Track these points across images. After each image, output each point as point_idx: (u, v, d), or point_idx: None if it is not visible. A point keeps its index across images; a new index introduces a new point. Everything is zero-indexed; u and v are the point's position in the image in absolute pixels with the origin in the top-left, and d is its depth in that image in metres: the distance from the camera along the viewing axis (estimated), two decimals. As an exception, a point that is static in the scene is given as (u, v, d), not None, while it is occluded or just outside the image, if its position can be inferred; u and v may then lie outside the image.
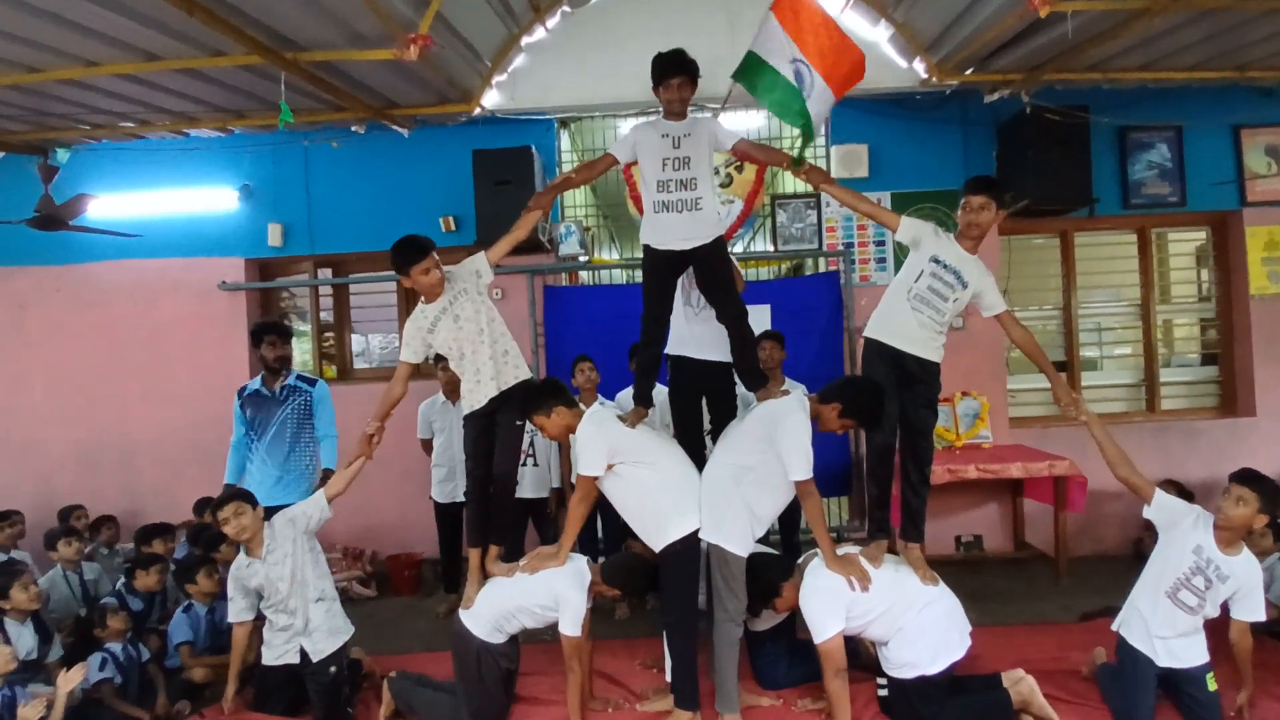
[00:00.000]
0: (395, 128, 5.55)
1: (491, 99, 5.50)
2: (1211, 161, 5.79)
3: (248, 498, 3.55)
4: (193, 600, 4.17)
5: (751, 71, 3.57)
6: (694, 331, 3.69)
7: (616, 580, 3.43)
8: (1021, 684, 3.18)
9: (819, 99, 3.44)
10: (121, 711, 3.61)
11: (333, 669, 3.53)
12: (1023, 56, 4.77)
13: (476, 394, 3.47)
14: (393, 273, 3.48)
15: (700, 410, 3.81)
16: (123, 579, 4.40)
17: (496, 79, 5.42)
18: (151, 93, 4.77)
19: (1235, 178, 5.79)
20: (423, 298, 3.50)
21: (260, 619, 3.64)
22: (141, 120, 5.35)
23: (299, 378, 4.39)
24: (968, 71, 5.09)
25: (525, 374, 3.57)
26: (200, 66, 4.33)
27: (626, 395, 4.66)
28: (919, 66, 5.23)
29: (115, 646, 3.76)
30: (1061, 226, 5.94)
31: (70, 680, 3.15)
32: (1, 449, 6.09)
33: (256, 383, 4.38)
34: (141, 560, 4.40)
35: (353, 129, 5.62)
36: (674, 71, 3.39)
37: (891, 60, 5.32)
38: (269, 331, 4.34)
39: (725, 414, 3.69)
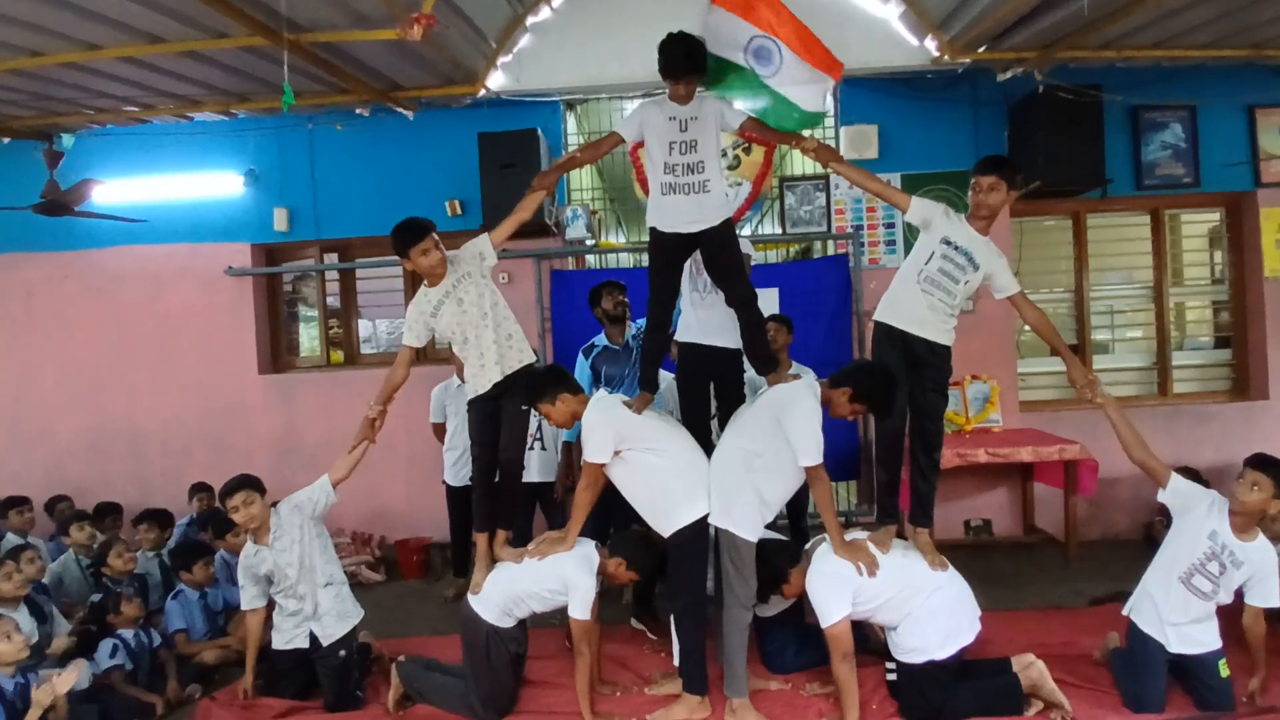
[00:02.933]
0: (400, 110, 5.51)
1: (496, 80, 5.45)
2: (1225, 142, 5.70)
3: (256, 485, 3.55)
4: (184, 587, 4.19)
5: (724, 75, 3.54)
6: (702, 317, 3.65)
7: (624, 551, 3.42)
8: (1031, 668, 3.17)
9: (791, 74, 3.39)
10: (133, 697, 3.64)
11: (342, 652, 3.55)
12: (1036, 34, 4.69)
13: (480, 379, 3.45)
14: (398, 257, 3.46)
15: (708, 397, 3.77)
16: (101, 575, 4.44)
17: (501, 60, 5.36)
18: (154, 76, 4.74)
19: (1249, 158, 5.70)
20: (425, 281, 3.47)
21: (270, 604, 3.66)
22: (145, 104, 5.33)
23: (638, 329, 4.37)
24: (980, 49, 5.02)
25: (530, 358, 3.55)
26: (202, 49, 4.31)
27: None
28: (930, 45, 5.16)
29: (127, 633, 3.78)
30: (1074, 208, 5.87)
31: (65, 683, 3.11)
32: (12, 437, 6.12)
33: (602, 339, 4.39)
34: (101, 549, 4.42)
35: (357, 111, 5.60)
36: (684, 71, 3.28)
37: (902, 38, 5.25)
38: (609, 286, 4.40)
39: (733, 401, 3.64)
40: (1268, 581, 3.08)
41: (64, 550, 4.69)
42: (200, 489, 5.38)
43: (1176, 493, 3.21)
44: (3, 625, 3.20)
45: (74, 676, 3.18)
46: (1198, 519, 3.14)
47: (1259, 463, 3.06)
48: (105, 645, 3.67)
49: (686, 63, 3.28)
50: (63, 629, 3.94)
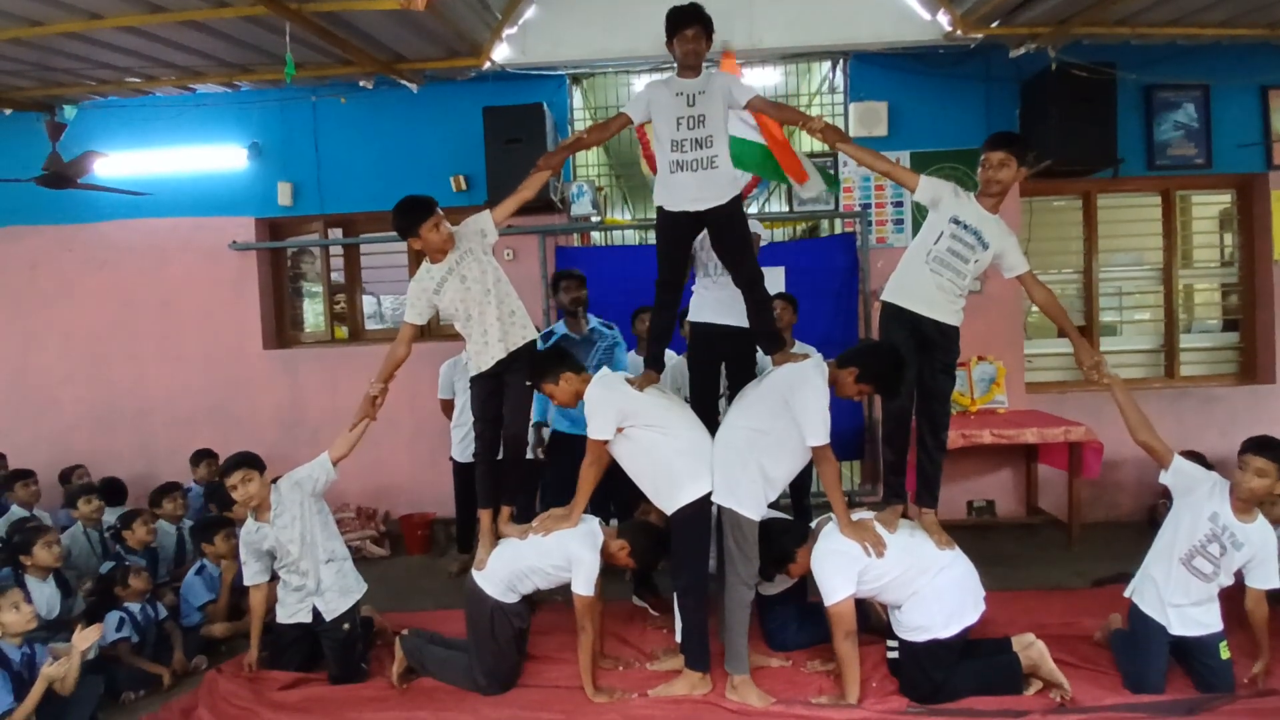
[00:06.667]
0: (404, 83, 5.46)
1: (501, 53, 5.39)
2: (1238, 123, 5.63)
3: (254, 463, 3.55)
4: (206, 561, 4.21)
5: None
6: (715, 296, 3.63)
7: (631, 536, 3.43)
8: (1031, 648, 3.18)
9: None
10: (139, 668, 3.68)
11: (346, 626, 3.58)
12: (1050, 9, 4.62)
13: (484, 356, 3.44)
14: (403, 237, 3.43)
15: (717, 376, 3.77)
16: (117, 544, 4.48)
17: (506, 32, 5.29)
18: (156, 46, 4.70)
19: (1262, 140, 5.63)
20: (427, 259, 3.45)
21: (274, 578, 3.68)
22: (147, 75, 5.29)
23: (600, 322, 4.49)
24: (994, 24, 4.94)
25: (532, 334, 3.54)
26: (204, 18, 4.25)
27: (629, 358, 4.62)
28: (943, 19, 5.07)
29: (134, 606, 3.80)
30: (1084, 188, 5.81)
31: (86, 639, 3.17)
32: (17, 410, 6.13)
33: (561, 327, 4.43)
34: (125, 518, 4.44)
35: (361, 84, 5.54)
36: (688, 22, 3.29)
37: (914, 13, 5.16)
38: (564, 277, 4.43)
39: (744, 381, 3.62)
40: (1268, 564, 3.08)
41: (74, 522, 4.71)
42: (204, 455, 5.40)
43: (1178, 474, 3.21)
44: (11, 596, 3.22)
45: (96, 635, 3.22)
46: (1199, 501, 3.13)
47: (1259, 446, 3.04)
48: (112, 617, 3.69)
49: (691, 16, 3.29)
50: (80, 605, 3.97)
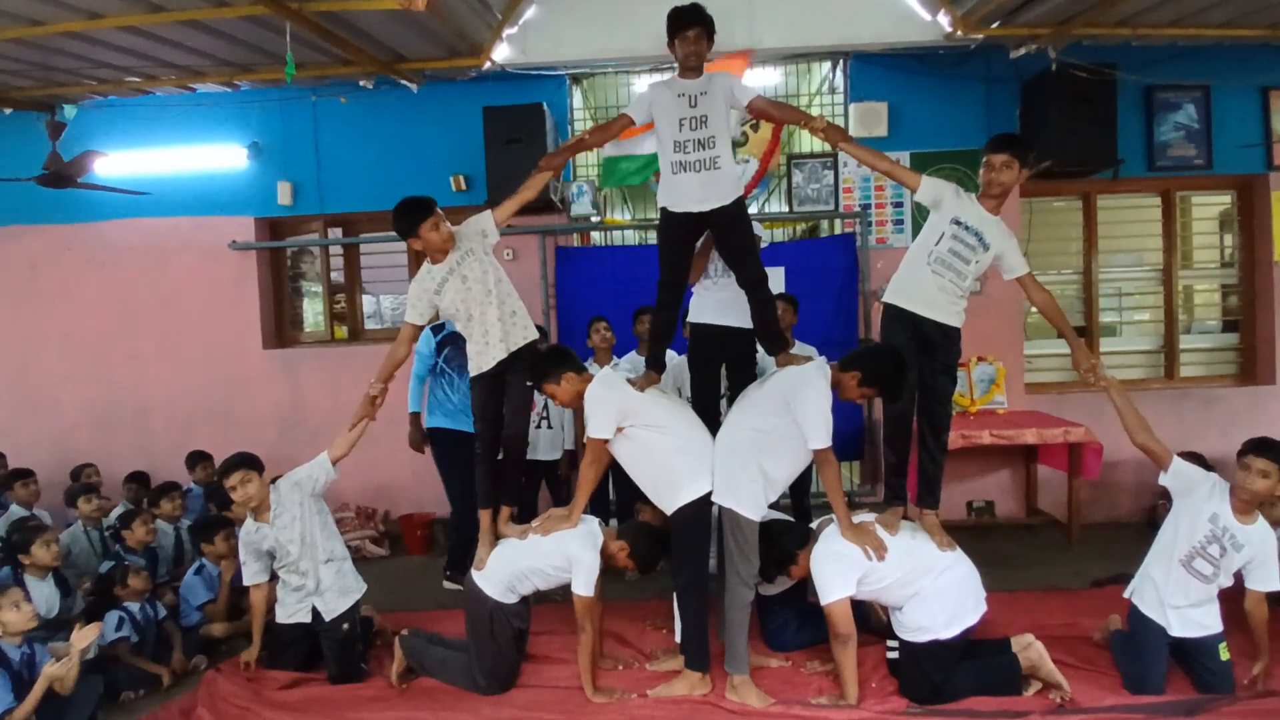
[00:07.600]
0: (404, 83, 5.46)
1: (502, 53, 5.38)
2: (1239, 123, 5.63)
3: (253, 464, 3.54)
4: (205, 561, 4.21)
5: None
6: (716, 298, 3.62)
7: (631, 538, 3.43)
8: (1030, 649, 3.18)
9: None
10: (139, 668, 3.67)
11: (345, 626, 3.57)
12: (1051, 10, 4.62)
13: (484, 356, 3.44)
14: (403, 237, 3.43)
15: (718, 377, 3.77)
16: (116, 543, 4.48)
17: (507, 32, 5.29)
18: (156, 46, 4.69)
19: (1262, 140, 5.63)
20: (428, 259, 3.45)
21: (274, 578, 3.67)
22: (147, 75, 5.28)
23: None
24: (994, 25, 4.94)
25: (533, 334, 3.53)
26: (204, 18, 4.25)
27: (629, 358, 4.62)
28: (943, 20, 5.07)
29: (133, 605, 3.80)
30: (1084, 189, 5.81)
31: (85, 638, 3.17)
32: (18, 409, 6.13)
33: (452, 324, 4.31)
34: (125, 517, 4.44)
35: (361, 84, 5.54)
36: (690, 23, 3.30)
37: (914, 13, 5.17)
38: None
39: (745, 381, 3.61)
40: (1267, 565, 3.08)
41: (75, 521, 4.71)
42: (200, 457, 5.40)
43: (1178, 475, 3.21)
44: (11, 595, 3.21)
45: (94, 634, 3.22)
46: (1198, 502, 3.13)
47: (1261, 448, 3.04)
48: (111, 617, 3.69)
49: (692, 17, 3.30)
50: (80, 604, 3.97)
